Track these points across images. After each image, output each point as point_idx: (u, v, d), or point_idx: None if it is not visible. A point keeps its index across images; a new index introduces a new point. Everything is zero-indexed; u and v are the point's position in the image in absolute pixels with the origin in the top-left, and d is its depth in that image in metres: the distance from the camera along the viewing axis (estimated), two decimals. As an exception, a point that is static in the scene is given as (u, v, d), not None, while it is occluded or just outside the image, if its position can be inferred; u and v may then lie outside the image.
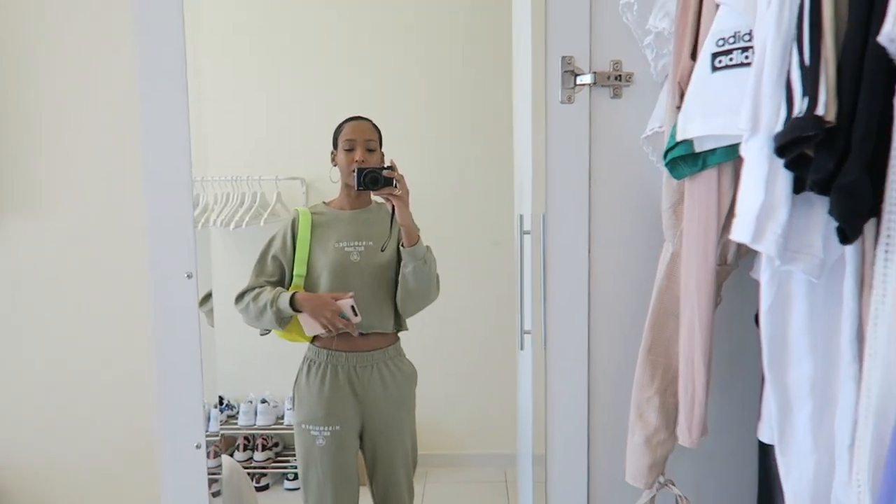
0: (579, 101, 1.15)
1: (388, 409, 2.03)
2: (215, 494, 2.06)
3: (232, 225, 3.13)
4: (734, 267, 1.12)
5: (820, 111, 0.72)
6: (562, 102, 1.15)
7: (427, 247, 1.95)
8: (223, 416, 3.46)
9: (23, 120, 1.65)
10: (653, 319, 1.10)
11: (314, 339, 2.00)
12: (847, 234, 0.72)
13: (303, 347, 2.08)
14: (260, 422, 3.41)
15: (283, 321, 1.95)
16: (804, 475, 0.87)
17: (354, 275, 1.96)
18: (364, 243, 1.99)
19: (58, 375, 1.70)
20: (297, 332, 2.01)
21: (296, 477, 3.38)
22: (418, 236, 1.92)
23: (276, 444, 3.53)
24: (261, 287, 2.01)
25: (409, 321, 2.08)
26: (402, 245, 1.90)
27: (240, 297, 2.04)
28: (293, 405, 2.08)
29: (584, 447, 1.23)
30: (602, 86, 1.16)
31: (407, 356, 2.10)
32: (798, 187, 0.79)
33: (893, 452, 0.66)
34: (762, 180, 0.79)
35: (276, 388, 3.40)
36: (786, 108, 0.77)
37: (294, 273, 1.99)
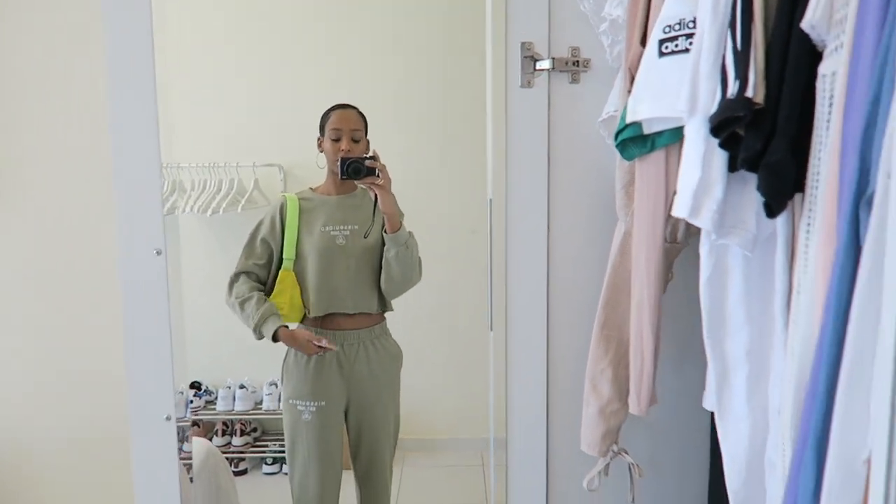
0: (538, 85, 1.20)
1: (373, 387, 2.10)
2: (192, 480, 2.11)
3: (209, 211, 3.14)
4: (684, 245, 1.18)
5: (749, 93, 0.77)
6: (521, 87, 1.19)
7: (409, 232, 2.02)
8: (201, 402, 3.49)
9: (13, 119, 1.68)
10: (606, 296, 1.15)
11: (303, 319, 2.06)
12: (773, 208, 0.77)
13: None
14: (238, 407, 3.43)
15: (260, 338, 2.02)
16: (740, 438, 0.93)
17: (340, 258, 2.03)
18: (350, 227, 2.05)
19: (35, 354, 1.73)
20: (285, 314, 2.06)
21: (274, 462, 3.42)
22: (401, 223, 1.99)
23: (254, 430, 3.56)
24: (248, 278, 2.06)
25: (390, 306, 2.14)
26: (385, 231, 1.97)
27: (229, 287, 2.09)
28: (281, 381, 2.13)
29: (542, 421, 1.27)
30: (560, 71, 1.21)
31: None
32: (733, 166, 0.84)
33: (806, 416, 0.71)
34: (699, 159, 0.84)
35: (254, 374, 3.43)
36: (720, 91, 0.82)
37: (284, 257, 2.06)
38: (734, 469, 0.93)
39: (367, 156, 1.94)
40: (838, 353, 0.65)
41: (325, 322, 2.06)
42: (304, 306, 2.07)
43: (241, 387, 3.43)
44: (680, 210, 0.86)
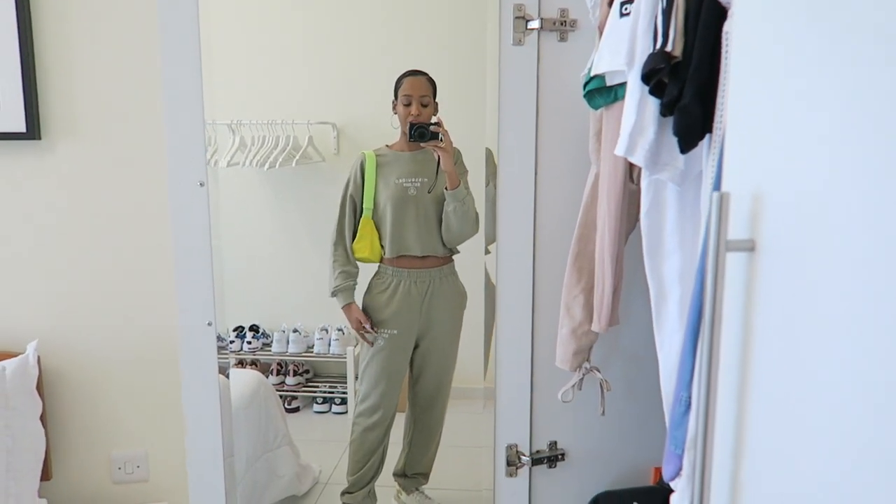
0: (529, 43, 1.35)
1: (440, 321, 2.44)
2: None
3: (266, 165, 3.40)
4: (653, 188, 1.32)
5: (669, 47, 0.91)
6: (513, 45, 1.34)
7: (467, 191, 2.29)
8: (259, 343, 3.79)
9: (67, 57, 1.94)
10: (579, 231, 1.31)
11: (381, 259, 2.41)
12: (683, 146, 0.92)
13: (323, 289, 2.48)
14: (291, 349, 3.72)
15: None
16: (672, 349, 1.08)
17: (411, 206, 2.36)
18: (420, 180, 2.37)
19: (97, 272, 2.01)
20: (366, 256, 2.41)
21: (324, 401, 3.70)
22: (459, 181, 2.29)
23: (306, 371, 3.84)
24: (342, 241, 2.42)
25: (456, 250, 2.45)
26: (446, 188, 2.24)
27: (333, 245, 2.44)
28: (363, 313, 2.46)
29: (528, 342, 1.45)
30: (549, 31, 1.35)
31: None
32: (664, 112, 0.98)
33: (690, 316, 0.86)
34: (635, 105, 0.99)
35: (306, 321, 3.71)
36: (652, 46, 0.96)
37: (363, 207, 2.40)
38: (666, 374, 1.09)
39: (432, 122, 2.25)
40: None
41: (398, 262, 2.39)
42: (382, 249, 2.39)
43: (295, 331, 3.72)
44: (619, 149, 1.01)
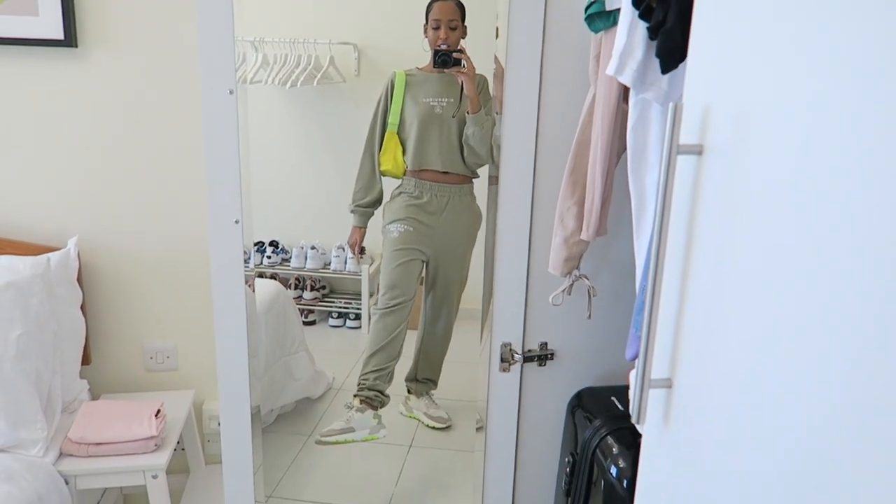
0: (539, -33, 1.42)
1: (454, 235, 2.61)
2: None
3: (288, 84, 3.47)
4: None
5: (656, -26, 1.00)
6: (524, -31, 1.42)
7: (488, 117, 2.39)
8: (278, 259, 3.96)
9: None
10: (576, 147, 1.42)
11: (404, 172, 2.58)
12: (664, 66, 1.01)
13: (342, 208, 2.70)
14: (309, 265, 3.88)
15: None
16: (648, 253, 1.21)
17: (436, 123, 2.51)
18: (447, 100, 2.52)
19: (133, 174, 2.16)
20: (389, 168, 2.59)
21: (339, 316, 3.89)
22: (480, 106, 2.43)
23: (322, 287, 4.01)
24: (369, 155, 2.61)
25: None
26: (468, 112, 2.38)
27: (362, 157, 2.64)
28: (383, 216, 2.67)
29: (525, 246, 1.58)
30: (559, -44, 1.43)
31: None
32: (652, 35, 1.08)
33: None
34: (626, 28, 1.08)
35: (324, 238, 3.85)
36: (643, -27, 1.04)
37: (389, 122, 2.54)
38: (642, 274, 1.22)
39: (456, 49, 2.38)
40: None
41: (420, 174, 2.56)
42: (405, 163, 2.55)
43: (312, 248, 3.87)
44: (610, 69, 1.11)
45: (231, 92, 1.47)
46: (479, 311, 3.42)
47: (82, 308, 2.15)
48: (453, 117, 2.48)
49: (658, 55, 1.01)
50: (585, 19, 1.28)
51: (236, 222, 1.55)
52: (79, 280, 2.15)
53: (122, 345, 2.31)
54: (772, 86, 0.66)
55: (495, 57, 1.54)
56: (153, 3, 2.03)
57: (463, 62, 2.36)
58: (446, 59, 2.36)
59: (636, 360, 1.08)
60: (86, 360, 2.22)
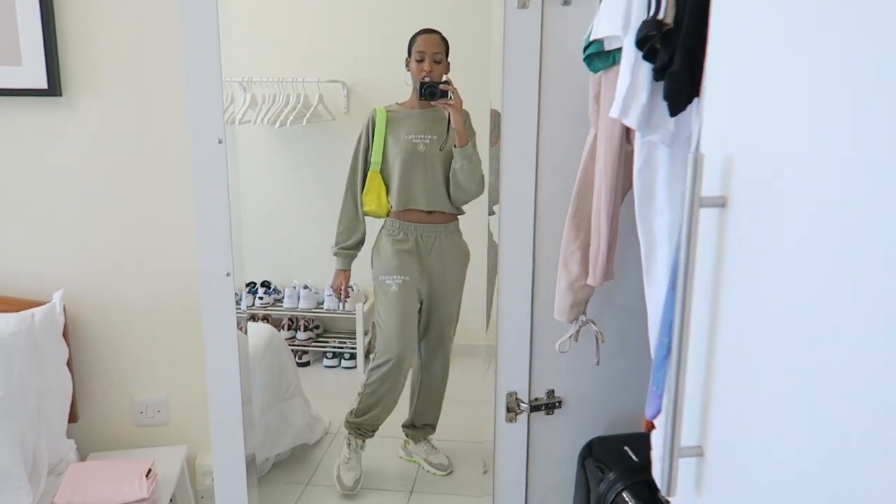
0: (533, 6, 1.39)
1: (444, 275, 2.52)
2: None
3: (277, 123, 3.45)
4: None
5: (661, 15, 0.96)
6: (518, 8, 1.39)
7: (475, 150, 2.34)
8: (270, 299, 3.89)
9: (86, 14, 1.99)
10: (578, 189, 1.38)
11: (388, 213, 2.49)
12: (672, 108, 0.97)
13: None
14: (302, 305, 3.82)
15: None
16: (660, 301, 1.15)
17: (420, 162, 2.41)
18: (430, 137, 2.43)
19: (119, 225, 2.10)
20: (373, 209, 2.49)
21: (333, 356, 3.82)
22: (468, 139, 2.34)
23: (316, 327, 3.95)
24: (351, 196, 2.52)
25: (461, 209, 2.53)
26: (455, 145, 2.27)
27: (343, 198, 2.55)
28: (371, 266, 2.58)
29: (528, 294, 1.52)
30: (553, -6, 1.40)
31: None
32: (657, 77, 1.04)
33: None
34: (629, 69, 1.04)
35: (316, 277, 3.80)
36: (646, 13, 1.01)
37: (371, 160, 2.45)
38: (654, 324, 1.16)
39: (442, 80, 2.27)
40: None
41: (405, 215, 2.47)
42: (388, 203, 2.45)
43: (305, 287, 3.81)
44: (614, 111, 1.07)
45: (220, 141, 1.42)
46: (476, 346, 3.37)
47: (68, 363, 2.08)
48: (441, 150, 2.40)
49: (665, 98, 0.97)
50: (584, 59, 1.25)
51: (227, 275, 1.50)
52: (64, 334, 2.07)
53: (110, 400, 2.23)
54: (803, 133, 0.61)
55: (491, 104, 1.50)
56: (139, 50, 1.99)
57: (450, 94, 2.28)
58: (433, 90, 2.27)
59: (657, 419, 1.03)
60: (73, 417, 2.13)
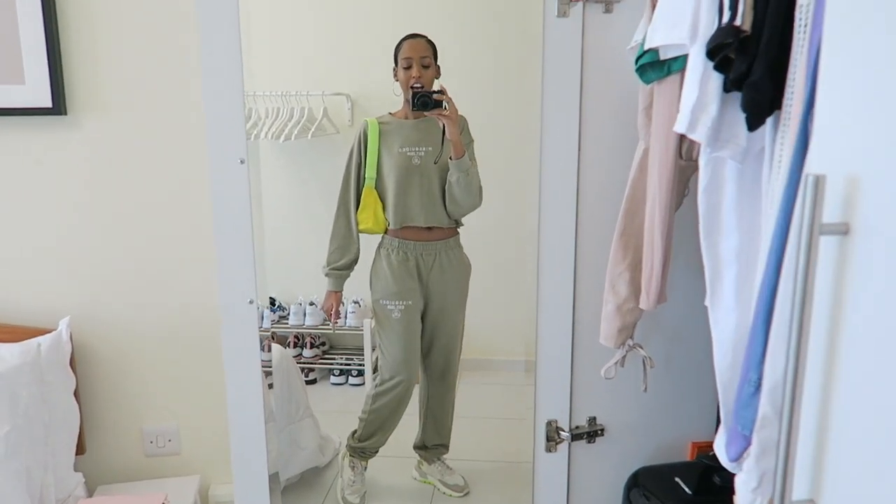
0: (573, 14, 1.32)
1: (446, 292, 2.40)
2: (270, 386, 2.42)
3: (282, 138, 3.37)
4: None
5: (738, 22, 0.89)
6: (558, 16, 1.31)
7: (472, 161, 2.23)
8: (275, 316, 3.80)
9: (92, 31, 1.90)
10: (626, 207, 1.30)
11: (386, 230, 2.36)
12: (752, 122, 0.90)
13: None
14: (308, 322, 3.73)
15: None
16: (728, 327, 1.08)
17: (415, 176, 2.29)
18: (424, 149, 2.30)
19: (126, 249, 2.01)
20: (370, 227, 2.37)
21: (341, 373, 3.73)
22: (465, 150, 2.21)
23: (322, 343, 3.86)
24: (344, 213, 2.41)
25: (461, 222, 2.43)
26: (450, 157, 2.16)
27: (335, 216, 2.45)
28: (370, 286, 2.45)
29: (569, 317, 1.44)
30: (595, 1, 1.32)
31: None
32: (729, 87, 0.96)
33: (761, 296, 0.85)
34: (697, 81, 0.97)
35: (322, 292, 3.69)
36: (717, 20, 0.94)
37: (366, 175, 2.34)
38: (721, 352, 1.08)
39: (435, 90, 2.16)
40: (782, 249, 0.79)
41: (403, 233, 2.34)
42: (386, 220, 2.34)
43: (311, 304, 3.72)
44: (679, 126, 0.99)
45: (242, 162, 1.33)
46: (484, 360, 3.29)
47: (75, 393, 1.98)
48: (435, 163, 2.27)
49: (745, 110, 0.89)
50: (637, 70, 1.17)
51: (251, 302, 1.41)
52: (72, 363, 1.97)
53: (119, 430, 2.13)
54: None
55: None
56: (145, 68, 1.90)
57: (444, 104, 2.14)
58: (426, 100, 2.13)
59: (742, 461, 0.95)
60: (80, 449, 2.03)
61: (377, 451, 2.59)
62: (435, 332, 2.48)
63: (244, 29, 1.43)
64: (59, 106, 1.90)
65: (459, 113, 2.23)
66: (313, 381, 3.75)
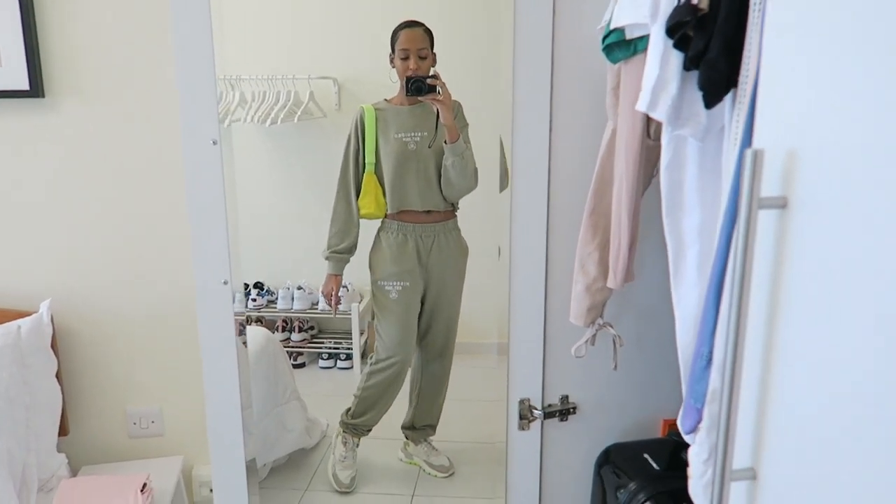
0: (544, -4, 1.32)
1: (445, 275, 2.45)
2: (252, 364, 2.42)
3: (268, 122, 3.36)
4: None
5: (695, 0, 0.89)
6: (528, -4, 1.31)
7: (467, 145, 2.25)
8: (263, 301, 3.81)
9: (68, 12, 1.89)
10: (595, 186, 1.31)
11: (386, 214, 2.40)
12: (708, 100, 0.91)
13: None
14: (296, 306, 3.74)
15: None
16: (690, 303, 1.09)
17: (411, 161, 2.33)
18: (420, 134, 2.33)
19: (107, 231, 2.01)
20: (371, 212, 2.40)
21: (329, 357, 3.74)
22: (458, 134, 2.24)
23: (311, 328, 3.88)
24: (344, 196, 2.42)
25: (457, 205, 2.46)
26: (445, 141, 2.18)
27: (335, 200, 2.45)
28: (370, 268, 2.49)
29: (541, 297, 1.46)
30: (565, -19, 1.33)
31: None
32: (688, 66, 0.97)
33: (714, 271, 0.87)
34: (658, 59, 0.97)
35: (310, 277, 3.72)
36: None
37: (366, 161, 2.38)
38: (684, 329, 1.10)
39: (429, 75, 2.17)
40: (732, 224, 0.81)
41: (402, 216, 2.39)
42: (385, 203, 2.38)
43: (299, 288, 3.74)
44: (641, 104, 1.00)
45: (215, 143, 1.34)
46: (475, 344, 3.31)
47: (57, 375, 1.99)
48: (430, 148, 2.31)
49: (701, 88, 0.90)
50: (603, 49, 1.18)
51: (225, 283, 1.42)
52: (53, 345, 1.98)
53: (102, 411, 2.14)
54: (878, 124, 0.54)
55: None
56: (125, 48, 1.90)
57: (438, 89, 2.19)
58: (420, 85, 2.19)
59: (695, 433, 0.96)
60: (63, 430, 2.05)
61: (370, 430, 2.63)
62: (434, 314, 2.52)
63: (226, 11, 1.43)
64: (36, 88, 1.90)
65: (454, 98, 2.26)
66: (302, 365, 3.78)
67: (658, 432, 1.55)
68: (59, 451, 2.00)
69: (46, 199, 2.00)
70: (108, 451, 2.16)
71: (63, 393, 2.01)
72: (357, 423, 2.58)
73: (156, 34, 1.87)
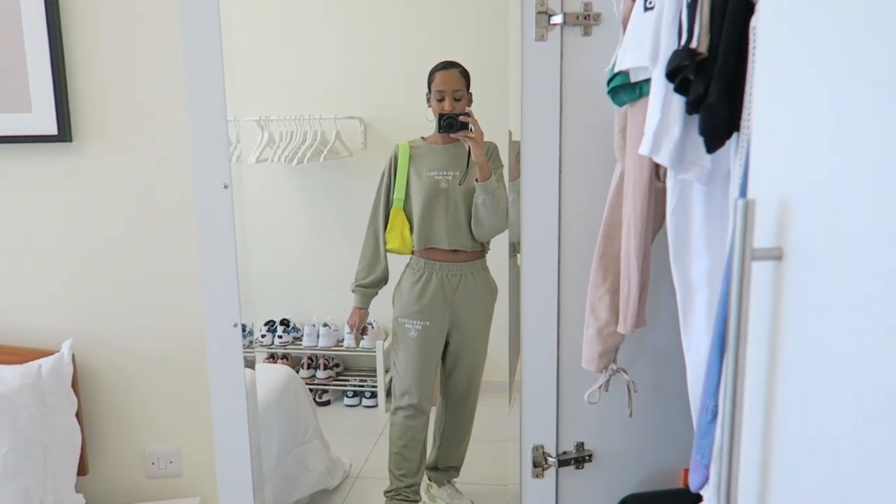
0: (552, 38, 1.32)
1: (471, 315, 2.42)
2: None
3: (294, 161, 3.41)
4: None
5: (693, 44, 0.88)
6: (535, 40, 1.31)
7: (499, 184, 2.25)
8: (289, 338, 3.82)
9: (96, 60, 1.95)
10: (605, 229, 1.29)
11: (412, 251, 2.40)
12: (710, 145, 0.89)
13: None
14: (321, 343, 3.74)
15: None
16: (700, 351, 1.05)
17: (441, 199, 2.33)
18: (452, 173, 2.35)
19: (129, 272, 2.03)
20: (397, 247, 2.41)
21: (354, 395, 3.73)
22: (490, 173, 2.24)
23: (336, 365, 3.87)
24: (373, 232, 2.44)
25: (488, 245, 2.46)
26: (476, 179, 2.18)
27: (366, 233, 2.47)
28: (393, 304, 2.48)
29: (553, 342, 1.43)
30: (573, 25, 1.32)
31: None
32: (690, 110, 0.95)
33: (717, 323, 0.83)
34: (660, 103, 0.96)
35: (336, 314, 3.72)
36: (676, 42, 0.93)
37: (394, 197, 2.38)
38: (694, 375, 1.06)
39: (462, 112, 2.19)
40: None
41: (428, 254, 2.38)
42: (412, 240, 2.39)
43: (325, 325, 3.74)
44: (643, 148, 0.98)
45: (226, 186, 1.36)
46: (501, 383, 3.25)
47: (77, 414, 2.00)
48: (460, 185, 2.31)
49: (702, 133, 0.88)
50: (608, 92, 1.17)
51: (235, 326, 1.42)
52: (73, 385, 2.00)
53: (121, 451, 2.15)
54: (871, 175, 0.52)
55: (509, 133, 1.42)
56: (151, 94, 1.94)
57: (470, 126, 2.19)
58: (452, 121, 2.20)
59: (704, 490, 0.92)
60: (82, 470, 2.05)
61: (415, 491, 2.55)
62: (458, 355, 2.48)
63: (256, 53, 1.46)
64: (64, 132, 1.95)
65: (490, 139, 2.28)
66: (327, 403, 3.76)
67: (678, 482, 1.49)
68: (77, 490, 2.00)
69: (71, 241, 2.04)
70: (127, 491, 2.15)
71: (83, 432, 2.02)
72: (395, 486, 2.54)
73: (178, 80, 1.91)
